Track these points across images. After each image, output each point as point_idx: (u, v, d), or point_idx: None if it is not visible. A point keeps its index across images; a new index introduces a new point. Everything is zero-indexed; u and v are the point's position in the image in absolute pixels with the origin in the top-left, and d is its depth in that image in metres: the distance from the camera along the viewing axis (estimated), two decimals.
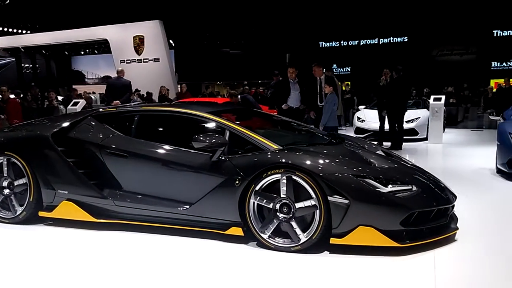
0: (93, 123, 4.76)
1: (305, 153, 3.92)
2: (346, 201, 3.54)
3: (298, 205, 3.68)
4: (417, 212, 3.63)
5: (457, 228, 4.00)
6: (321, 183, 3.60)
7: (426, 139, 11.43)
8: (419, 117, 11.65)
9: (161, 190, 4.28)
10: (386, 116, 10.25)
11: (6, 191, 4.65)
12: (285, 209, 3.73)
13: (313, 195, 3.62)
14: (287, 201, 3.73)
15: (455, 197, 4.11)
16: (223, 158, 4.01)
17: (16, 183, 4.62)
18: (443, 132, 11.86)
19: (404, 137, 10.37)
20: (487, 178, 6.83)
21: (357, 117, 12.40)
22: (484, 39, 21.45)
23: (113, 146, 4.49)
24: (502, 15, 20.53)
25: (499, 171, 6.83)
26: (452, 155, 9.62)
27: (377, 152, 4.58)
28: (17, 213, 4.59)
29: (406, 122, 10.67)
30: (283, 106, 8.57)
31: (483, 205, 5.27)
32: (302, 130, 5.34)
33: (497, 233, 4.24)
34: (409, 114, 11.02)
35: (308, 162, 3.71)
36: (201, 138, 3.97)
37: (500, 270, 3.38)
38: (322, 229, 3.60)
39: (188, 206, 4.09)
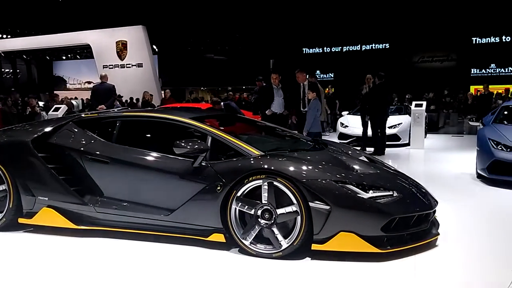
0: (74, 129, 4.69)
1: (286, 159, 3.91)
2: (327, 207, 3.54)
3: (279, 211, 3.67)
4: (398, 218, 3.64)
5: (438, 234, 4.04)
6: (302, 189, 3.60)
7: (408, 144, 11.56)
8: (401, 123, 11.78)
9: (143, 197, 4.24)
10: (369, 122, 10.35)
11: None
12: (266, 215, 3.72)
13: (294, 201, 3.62)
14: (269, 207, 3.71)
15: (436, 202, 4.14)
16: (204, 164, 3.99)
17: None
18: (425, 137, 12.01)
19: (387, 143, 10.47)
20: (467, 183, 6.94)
21: (341, 122, 12.49)
22: (464, 46, 21.85)
23: (94, 152, 4.43)
24: (480, 22, 20.96)
25: (479, 176, 6.94)
26: (433, 160, 9.74)
27: (360, 158, 4.60)
28: None
29: (389, 127, 10.77)
30: (266, 112, 8.59)
31: (464, 209, 5.34)
32: (286, 136, 5.35)
33: (477, 238, 4.30)
34: (391, 120, 11.15)
35: (289, 168, 3.70)
36: (182, 144, 3.94)
37: (479, 275, 3.42)
38: (304, 235, 3.60)
39: (169, 213, 4.06)
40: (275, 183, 3.68)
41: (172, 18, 24.48)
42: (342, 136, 12.10)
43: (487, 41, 21.60)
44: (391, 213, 3.61)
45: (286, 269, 3.52)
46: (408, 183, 4.18)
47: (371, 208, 3.59)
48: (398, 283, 3.24)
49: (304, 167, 3.76)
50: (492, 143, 6.55)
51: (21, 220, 4.50)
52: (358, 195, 3.63)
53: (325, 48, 24.67)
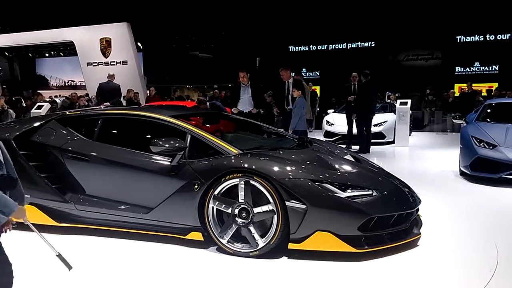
0: (56, 127, 4.70)
1: (264, 157, 3.87)
2: (304, 206, 3.51)
3: (256, 210, 3.65)
4: (376, 218, 3.61)
5: (420, 234, 4.01)
6: (278, 188, 3.56)
7: (393, 142, 11.62)
8: (386, 121, 11.84)
9: (122, 195, 4.23)
10: (354, 120, 10.37)
11: None
12: (243, 214, 3.70)
13: (271, 200, 3.59)
14: (246, 206, 3.69)
15: (419, 201, 4.12)
16: (182, 162, 3.96)
17: None
18: (410, 135, 12.10)
19: (372, 140, 10.52)
20: (450, 180, 6.99)
21: (326, 120, 12.51)
22: (448, 45, 22.05)
23: (75, 149, 4.43)
24: (465, 21, 21.16)
25: (462, 173, 7.00)
26: (418, 157, 9.81)
27: (344, 156, 4.57)
28: None
29: (374, 125, 10.82)
30: (232, 110, 8.45)
31: (446, 207, 5.37)
32: (272, 134, 5.33)
33: (458, 237, 4.31)
34: (377, 118, 11.19)
35: (265, 167, 3.67)
36: (159, 142, 3.92)
37: (456, 275, 3.41)
38: (280, 234, 3.57)
39: (148, 211, 4.05)
40: (251, 182, 3.65)
41: (157, 15, 24.28)
42: (327, 134, 12.13)
43: (471, 40, 21.82)
44: (369, 213, 3.57)
45: (262, 268, 3.49)
46: (390, 182, 4.16)
47: (348, 208, 3.55)
48: (372, 283, 3.22)
49: (281, 166, 3.72)
50: (475, 141, 6.60)
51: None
52: (335, 194, 3.59)
53: (311, 46, 24.68)
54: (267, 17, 23.40)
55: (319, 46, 24.56)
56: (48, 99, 16.22)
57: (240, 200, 3.70)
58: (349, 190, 3.66)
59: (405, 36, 22.28)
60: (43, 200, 4.41)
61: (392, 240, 3.73)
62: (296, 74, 9.73)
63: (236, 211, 3.71)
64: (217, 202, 3.77)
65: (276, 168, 3.67)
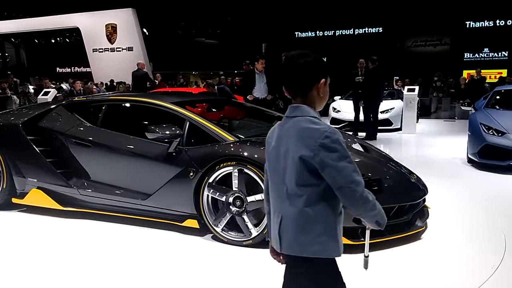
0: (63, 113, 4.78)
1: (259, 145, 3.78)
2: None
3: (249, 198, 3.60)
4: None
5: (423, 227, 3.89)
6: None
7: (400, 129, 11.54)
8: (393, 108, 11.74)
9: (122, 180, 4.26)
10: (362, 107, 10.29)
11: None
12: (238, 203, 3.66)
13: None
14: (240, 195, 3.65)
15: (426, 192, 4.01)
16: (179, 149, 3.94)
17: None
18: (417, 122, 12.00)
19: (379, 127, 10.44)
20: (457, 167, 6.93)
21: (333, 107, 12.42)
22: (457, 30, 21.75)
23: (78, 135, 4.49)
24: (474, 6, 20.83)
25: (470, 161, 6.93)
26: (425, 145, 9.74)
27: (352, 145, 4.45)
28: None
29: (381, 112, 10.74)
30: (248, 97, 8.46)
31: (453, 194, 5.32)
32: (275, 120, 5.25)
33: (465, 226, 4.21)
34: (384, 104, 11.11)
35: (259, 155, 3.59)
36: (155, 129, 3.91)
37: (460, 269, 3.25)
38: None
39: (146, 197, 4.06)
40: (245, 170, 3.59)
41: (162, 1, 24.10)
42: (334, 121, 12.05)
43: (480, 25, 21.50)
44: None
45: (252, 258, 3.44)
46: (396, 172, 4.05)
47: None
48: (367, 276, 3.05)
49: None
50: (484, 128, 6.53)
51: (14, 200, 4.67)
52: None
53: (317, 32, 24.44)
54: (273, 2, 23.16)
55: (326, 32, 24.32)
56: (53, 86, 16.21)
57: (234, 189, 3.66)
58: None
59: (413, 21, 21.99)
60: (49, 184, 4.51)
61: (392, 232, 3.61)
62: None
63: (231, 199, 3.68)
64: (211, 190, 3.74)
65: None
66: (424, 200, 4.05)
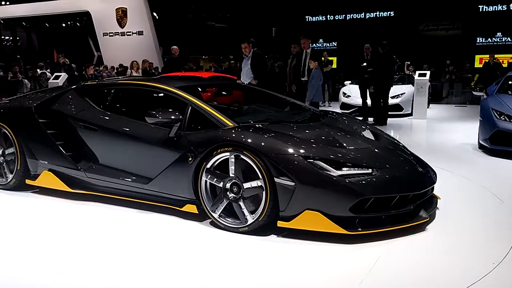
0: (74, 96, 4.87)
1: (257, 131, 3.73)
2: (292, 183, 3.37)
3: (246, 185, 3.58)
4: (373, 198, 3.39)
5: (428, 218, 3.70)
6: (267, 163, 3.44)
7: (410, 114, 11.50)
8: (404, 93, 11.68)
9: (126, 164, 4.33)
10: (370, 92, 10.24)
11: (1, 159, 4.95)
12: (235, 189, 3.65)
13: (260, 176, 3.48)
14: (237, 181, 3.64)
15: (433, 181, 3.89)
16: (179, 134, 3.96)
17: (7, 151, 4.89)
18: (428, 107, 11.94)
19: (389, 113, 10.41)
20: (469, 153, 6.92)
21: (343, 92, 12.39)
22: (470, 14, 21.40)
23: (85, 119, 4.59)
24: None
25: (481, 147, 6.91)
26: (436, 130, 9.71)
27: (362, 132, 4.35)
28: (8, 180, 4.89)
29: (391, 97, 10.69)
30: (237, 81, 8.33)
31: (464, 180, 5.31)
32: (293, 106, 5.22)
33: (474, 213, 4.12)
34: (394, 89, 11.06)
35: (256, 141, 3.54)
36: (154, 113, 3.93)
37: (452, 270, 3.01)
38: (269, 211, 3.46)
39: (148, 181, 4.11)
40: (241, 156, 3.57)
41: None
42: (344, 106, 12.03)
43: (494, 9, 21.12)
44: (362, 193, 3.35)
45: (246, 245, 3.43)
46: (403, 160, 3.92)
47: (339, 187, 3.34)
48: (360, 266, 3.03)
49: (273, 140, 3.56)
50: (495, 113, 6.49)
51: (27, 182, 4.82)
52: (326, 172, 3.39)
53: (328, 16, 24.19)
54: None
55: (337, 16, 24.05)
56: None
57: (231, 175, 3.64)
58: (345, 169, 3.46)
59: (425, 5, 21.68)
60: (59, 167, 4.64)
61: (392, 223, 3.49)
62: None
63: (228, 185, 3.66)
64: (209, 176, 3.72)
65: (266, 143, 3.53)
66: (432, 189, 3.95)
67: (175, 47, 12.81)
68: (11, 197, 4.76)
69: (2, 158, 4.95)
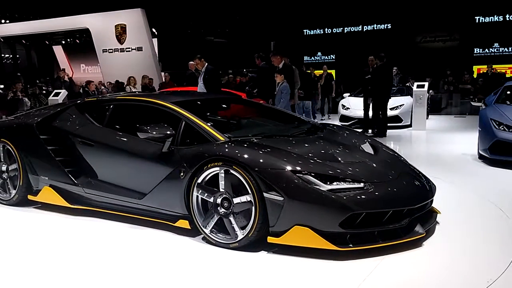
0: (74, 113, 4.95)
1: (248, 145, 3.72)
2: (281, 198, 3.33)
3: (235, 200, 3.55)
4: (364, 214, 3.33)
5: (423, 233, 3.57)
6: (256, 178, 3.41)
7: (410, 126, 11.51)
8: (403, 104, 11.72)
9: (121, 179, 4.35)
10: (371, 104, 10.28)
11: (5, 175, 5.05)
12: (225, 204, 3.63)
13: (249, 191, 3.45)
14: (227, 196, 3.62)
15: (430, 196, 3.81)
16: (171, 149, 3.96)
17: (10, 168, 5.00)
18: (427, 118, 11.96)
19: (388, 124, 10.43)
20: (469, 163, 6.91)
21: (342, 104, 12.42)
22: (467, 26, 21.57)
23: (83, 135, 4.66)
24: (483, 1, 20.65)
25: (480, 157, 6.91)
26: (435, 141, 9.71)
27: (362, 145, 4.31)
28: (12, 196, 4.98)
29: (390, 109, 10.72)
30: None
31: (463, 191, 5.30)
32: (289, 120, 5.21)
33: (474, 225, 4.07)
34: (393, 101, 11.08)
35: (245, 156, 3.52)
36: (146, 128, 3.93)
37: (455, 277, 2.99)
38: (258, 226, 3.43)
39: (142, 196, 4.12)
40: (231, 171, 3.55)
41: (171, 0, 24.20)
42: (343, 118, 12.05)
43: (490, 20, 21.30)
44: (352, 208, 3.28)
45: (236, 261, 3.40)
46: (399, 175, 3.83)
47: (328, 202, 3.28)
48: (343, 284, 2.97)
49: (262, 155, 3.53)
50: (494, 124, 6.50)
51: (29, 197, 4.89)
52: (315, 186, 3.34)
53: (326, 29, 24.39)
54: (282, 0, 23.15)
55: (335, 29, 24.25)
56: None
57: (221, 189, 3.62)
58: (335, 183, 3.40)
59: (422, 17, 21.86)
60: (59, 183, 4.70)
61: (385, 239, 3.40)
62: (285, 57, 8.82)
63: (218, 200, 3.64)
64: (200, 191, 3.71)
65: (255, 157, 3.50)
66: (431, 203, 3.88)
67: (191, 62, 12.75)
68: (13, 212, 4.83)
69: (6, 174, 5.03)
